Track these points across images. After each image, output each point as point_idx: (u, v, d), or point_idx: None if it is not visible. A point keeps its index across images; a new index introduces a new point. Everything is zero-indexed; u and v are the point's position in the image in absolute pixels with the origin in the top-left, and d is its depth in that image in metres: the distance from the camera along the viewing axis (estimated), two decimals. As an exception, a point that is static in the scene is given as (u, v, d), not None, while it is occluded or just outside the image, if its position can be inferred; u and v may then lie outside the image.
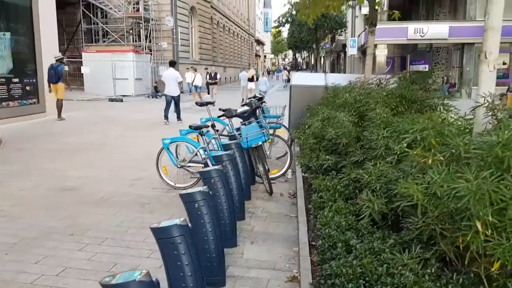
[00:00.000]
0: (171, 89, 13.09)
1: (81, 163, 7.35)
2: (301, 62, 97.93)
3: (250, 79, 21.90)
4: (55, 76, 12.90)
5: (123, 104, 19.89)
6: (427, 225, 2.30)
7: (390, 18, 24.38)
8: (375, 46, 25.10)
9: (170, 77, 13.24)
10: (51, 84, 12.98)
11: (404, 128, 2.52)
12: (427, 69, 27.39)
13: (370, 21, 6.91)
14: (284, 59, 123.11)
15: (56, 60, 13.07)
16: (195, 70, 21.81)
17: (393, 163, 3.03)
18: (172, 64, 13.99)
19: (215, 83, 21.49)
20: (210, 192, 3.51)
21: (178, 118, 13.13)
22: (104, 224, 4.56)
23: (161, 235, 2.73)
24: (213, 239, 3.39)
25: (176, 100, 13.12)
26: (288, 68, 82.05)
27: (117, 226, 4.52)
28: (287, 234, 4.42)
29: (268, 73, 56.87)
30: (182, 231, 2.74)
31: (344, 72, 35.80)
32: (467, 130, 2.66)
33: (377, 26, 23.05)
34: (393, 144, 2.58)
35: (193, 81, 21.26)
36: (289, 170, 6.71)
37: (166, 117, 12.81)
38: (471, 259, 2.07)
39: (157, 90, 25.39)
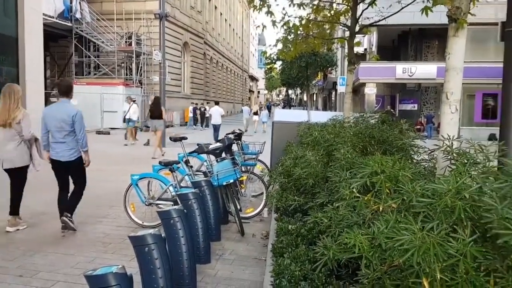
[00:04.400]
0: (216, 119, 18.90)
1: (47, 198, 7.02)
2: (294, 98, 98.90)
3: (255, 113, 27.80)
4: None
5: (110, 137, 19.69)
6: (378, 279, 2.10)
7: (370, 59, 24.90)
8: (364, 84, 25.50)
9: (215, 111, 19.21)
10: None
11: (357, 172, 2.37)
12: (416, 108, 27.59)
13: (349, 60, 6.89)
14: (278, 95, 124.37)
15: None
16: (131, 99, 18.01)
17: (356, 207, 2.85)
18: (217, 103, 20.56)
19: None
20: (163, 234, 3.30)
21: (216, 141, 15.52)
22: (58, 265, 4.29)
23: (95, 284, 2.51)
24: (164, 287, 3.14)
25: (218, 128, 18.48)
26: (282, 104, 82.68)
27: (72, 268, 4.25)
28: (253, 280, 4.18)
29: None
30: (119, 280, 2.52)
31: (335, 109, 36.01)
32: (425, 174, 2.51)
33: (366, 65, 23.45)
34: (344, 188, 2.41)
35: (126, 114, 17.48)
36: (265, 209, 6.49)
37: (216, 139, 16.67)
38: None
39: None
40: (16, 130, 5.32)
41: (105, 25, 25.95)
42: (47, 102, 24.98)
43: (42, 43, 14.09)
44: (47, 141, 5.42)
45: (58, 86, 5.53)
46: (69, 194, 5.54)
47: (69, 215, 5.32)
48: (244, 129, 22.73)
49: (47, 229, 5.45)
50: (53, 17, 23.17)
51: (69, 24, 24.78)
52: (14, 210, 5.46)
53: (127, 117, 17.35)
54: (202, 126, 28.64)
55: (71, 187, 5.59)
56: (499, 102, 24.60)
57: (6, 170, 5.42)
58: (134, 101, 17.81)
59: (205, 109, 28.62)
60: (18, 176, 5.47)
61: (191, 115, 28.68)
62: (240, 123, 26.83)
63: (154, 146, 13.45)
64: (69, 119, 5.28)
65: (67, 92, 5.44)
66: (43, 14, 15.80)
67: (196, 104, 30.26)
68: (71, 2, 24.90)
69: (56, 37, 26.38)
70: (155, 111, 13.91)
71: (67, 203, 5.45)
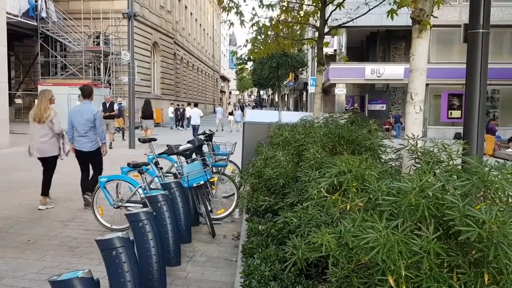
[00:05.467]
0: (195, 120, 21.13)
1: (13, 202, 6.86)
2: (266, 99, 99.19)
3: (230, 113, 29.18)
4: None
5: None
6: (346, 277, 2.12)
7: (340, 60, 25.29)
8: (334, 85, 25.82)
9: (194, 112, 21.64)
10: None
11: (326, 171, 2.39)
12: (384, 109, 28.11)
13: (318, 61, 6.96)
14: (250, 96, 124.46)
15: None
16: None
17: (325, 206, 2.88)
18: (196, 105, 23.23)
19: (112, 117, 16.33)
20: (131, 238, 3.24)
21: None
22: (23, 271, 4.17)
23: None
24: (133, 290, 3.09)
25: (197, 128, 20.32)
26: (253, 105, 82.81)
27: (38, 273, 4.14)
28: (224, 281, 4.17)
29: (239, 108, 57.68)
30: (85, 285, 2.46)
31: (307, 110, 36.33)
32: (392, 173, 2.55)
33: (336, 66, 23.74)
34: (313, 188, 2.43)
35: None
36: (236, 210, 6.48)
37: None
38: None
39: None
40: (48, 126, 6.39)
41: (72, 25, 25.35)
42: (11, 102, 24.22)
43: (6, 42, 13.69)
44: (72, 135, 6.61)
45: (82, 91, 6.82)
46: (89, 178, 6.73)
47: (90, 194, 6.19)
48: (216, 129, 23.73)
49: (12, 234, 5.29)
50: (17, 16, 22.46)
51: (34, 23, 24.06)
52: (45, 191, 6.56)
53: None
54: (180, 126, 29.63)
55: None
56: (464, 102, 25.34)
57: (38, 158, 6.52)
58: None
59: (184, 110, 29.53)
60: (49, 164, 6.59)
61: (172, 115, 29.47)
62: (214, 124, 27.17)
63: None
64: (92, 117, 6.55)
65: (89, 95, 6.78)
66: (7, 12, 15.32)
67: (178, 105, 31.57)
68: (36, 1, 24.17)
69: (20, 36, 25.61)
70: (147, 112, 15.63)
71: (88, 184, 6.62)
